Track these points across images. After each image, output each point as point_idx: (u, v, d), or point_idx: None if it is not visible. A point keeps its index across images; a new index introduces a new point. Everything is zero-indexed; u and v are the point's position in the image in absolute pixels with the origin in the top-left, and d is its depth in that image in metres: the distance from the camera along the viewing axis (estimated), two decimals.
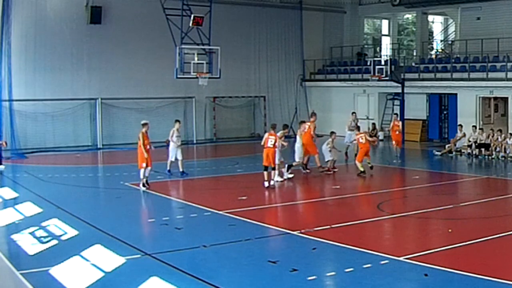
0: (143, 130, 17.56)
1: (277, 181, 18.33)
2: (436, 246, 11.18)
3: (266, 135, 18.21)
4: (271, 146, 17.74)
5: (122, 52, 30.33)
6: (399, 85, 31.50)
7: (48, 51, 28.32)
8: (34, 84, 28.06)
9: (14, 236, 12.14)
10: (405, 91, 31.58)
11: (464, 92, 29.02)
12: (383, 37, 40.80)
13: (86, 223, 13.30)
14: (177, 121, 20.97)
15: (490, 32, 29.39)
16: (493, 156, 24.72)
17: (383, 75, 30.43)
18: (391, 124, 26.20)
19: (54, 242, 11.72)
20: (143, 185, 17.43)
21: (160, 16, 26.77)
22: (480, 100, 28.88)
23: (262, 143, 18.12)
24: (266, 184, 17.67)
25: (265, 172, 17.76)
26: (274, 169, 17.92)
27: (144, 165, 17.32)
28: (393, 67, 30.98)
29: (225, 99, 33.63)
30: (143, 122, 18.29)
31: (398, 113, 29.37)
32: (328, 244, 11.47)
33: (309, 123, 20.84)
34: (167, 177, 19.84)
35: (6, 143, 22.88)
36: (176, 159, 20.05)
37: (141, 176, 17.48)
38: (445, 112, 31.58)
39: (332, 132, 21.21)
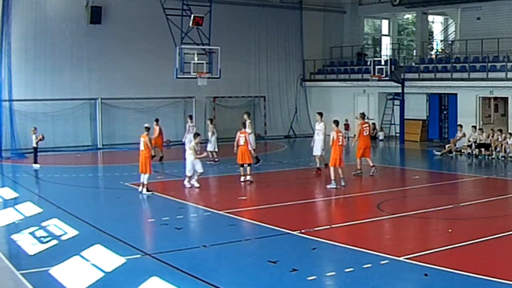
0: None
1: (197, 187, 17.71)
2: (436, 246, 11.18)
3: (238, 134, 19.01)
4: (243, 144, 18.70)
5: (122, 52, 30.33)
6: (399, 85, 31.50)
7: (48, 51, 28.33)
8: (34, 84, 28.08)
9: (14, 236, 12.14)
10: (405, 91, 31.58)
11: (464, 92, 29.02)
12: (383, 37, 40.82)
13: (86, 223, 13.30)
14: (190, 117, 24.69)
15: (490, 32, 29.38)
16: (493, 156, 24.72)
17: (383, 75, 30.43)
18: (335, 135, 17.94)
19: (54, 242, 11.72)
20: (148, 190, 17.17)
21: (160, 16, 26.78)
22: (480, 100, 28.88)
23: (236, 143, 19.06)
24: (242, 178, 18.56)
25: (241, 168, 18.73)
26: (249, 165, 18.75)
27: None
28: (393, 67, 30.96)
29: (225, 99, 33.65)
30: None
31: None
32: (328, 244, 11.47)
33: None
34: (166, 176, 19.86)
35: (43, 137, 22.67)
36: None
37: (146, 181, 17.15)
38: (445, 112, 31.59)
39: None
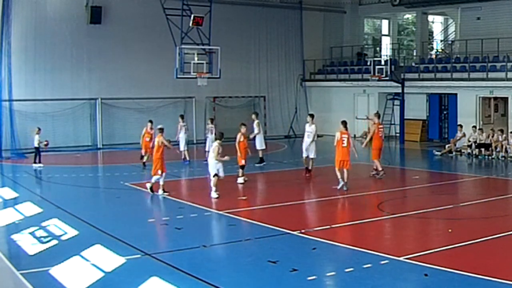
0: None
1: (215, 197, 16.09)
2: (436, 246, 11.18)
3: None
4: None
5: (122, 52, 30.35)
6: (399, 85, 31.50)
7: (48, 51, 28.34)
8: (34, 84, 28.09)
9: (14, 236, 12.14)
10: (405, 91, 31.59)
11: (464, 92, 29.02)
12: (383, 37, 40.82)
13: (86, 223, 13.30)
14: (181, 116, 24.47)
15: (490, 32, 29.39)
16: (493, 156, 24.72)
17: (383, 75, 30.42)
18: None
19: (54, 242, 11.72)
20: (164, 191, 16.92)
21: (160, 16, 26.78)
22: (480, 100, 28.88)
23: None
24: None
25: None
26: (241, 167, 18.79)
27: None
28: (393, 67, 30.96)
29: (225, 99, 33.67)
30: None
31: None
32: (328, 244, 11.47)
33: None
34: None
35: (47, 143, 22.58)
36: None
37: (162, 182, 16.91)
38: (445, 112, 31.60)
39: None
